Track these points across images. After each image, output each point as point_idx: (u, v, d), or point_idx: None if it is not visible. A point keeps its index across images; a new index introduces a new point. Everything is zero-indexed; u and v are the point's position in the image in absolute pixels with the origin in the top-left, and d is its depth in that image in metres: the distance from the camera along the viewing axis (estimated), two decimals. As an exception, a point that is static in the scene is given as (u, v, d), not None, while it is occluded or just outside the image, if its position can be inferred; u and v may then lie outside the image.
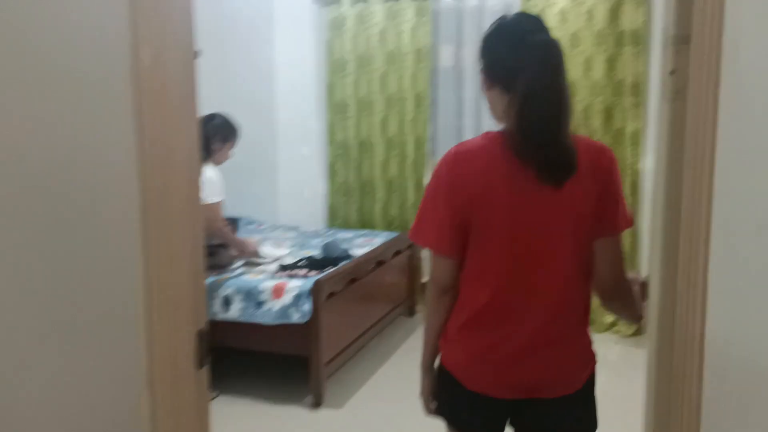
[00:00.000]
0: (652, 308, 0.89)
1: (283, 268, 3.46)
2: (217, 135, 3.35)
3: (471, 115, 4.62)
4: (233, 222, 4.23)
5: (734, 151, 0.82)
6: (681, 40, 0.95)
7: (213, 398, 3.27)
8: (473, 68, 4.59)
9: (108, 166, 1.03)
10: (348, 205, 4.93)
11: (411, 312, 4.69)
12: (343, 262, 3.65)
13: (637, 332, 4.14)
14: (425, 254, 4.86)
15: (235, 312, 3.32)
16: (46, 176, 0.90)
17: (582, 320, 1.52)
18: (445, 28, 4.63)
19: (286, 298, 3.24)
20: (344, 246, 3.98)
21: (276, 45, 4.76)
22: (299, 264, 3.54)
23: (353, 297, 3.62)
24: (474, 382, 1.50)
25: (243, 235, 4.38)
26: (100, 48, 1.00)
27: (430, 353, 1.60)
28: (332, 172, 4.93)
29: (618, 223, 1.47)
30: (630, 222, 1.51)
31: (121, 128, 1.05)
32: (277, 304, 3.26)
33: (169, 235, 1.17)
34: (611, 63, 4.20)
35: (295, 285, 3.26)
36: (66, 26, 0.93)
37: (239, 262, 3.60)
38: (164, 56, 1.12)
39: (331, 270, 3.48)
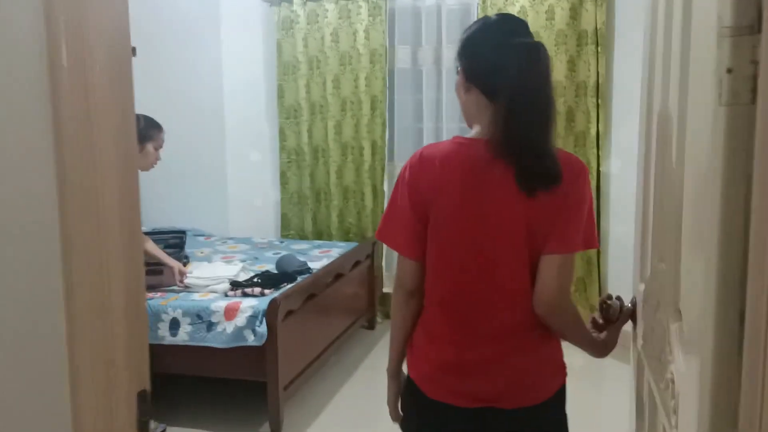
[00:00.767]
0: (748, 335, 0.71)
1: (236, 286, 3.20)
2: None
3: (430, 117, 4.45)
4: (179, 236, 3.94)
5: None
6: (742, 31, 0.77)
7: (161, 432, 2.99)
8: (432, 69, 4.42)
9: (21, 195, 0.79)
10: (302, 214, 4.69)
11: (371, 324, 4.48)
12: (301, 277, 3.42)
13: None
14: (388, 262, 4.67)
15: (183, 335, 3.04)
16: None
17: (546, 330, 1.44)
18: (401, 28, 4.45)
19: (240, 320, 2.99)
20: (300, 259, 3.74)
21: (223, 45, 4.48)
22: (253, 281, 3.28)
23: (312, 313, 3.39)
24: (437, 391, 1.46)
25: (191, 248, 4.10)
26: (6, 48, 0.77)
27: (395, 359, 1.58)
28: (284, 180, 4.68)
29: (566, 241, 1.38)
30: (590, 243, 1.42)
31: (37, 140, 0.81)
32: (230, 326, 3.00)
33: (97, 278, 0.93)
34: (572, 63, 4.09)
35: (249, 305, 3.01)
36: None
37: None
38: (90, 56, 0.89)
39: (287, 287, 3.24)
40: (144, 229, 2.89)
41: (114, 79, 0.96)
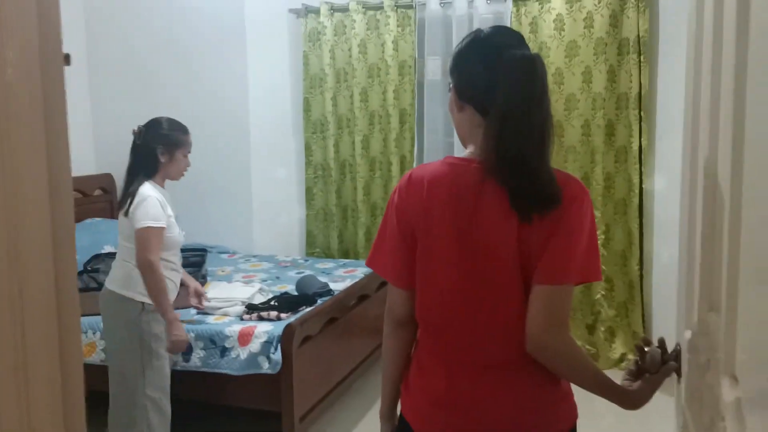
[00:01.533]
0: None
1: (251, 309, 3.04)
2: (159, 145, 2.67)
3: (461, 132, 4.24)
4: (200, 254, 3.82)
5: None
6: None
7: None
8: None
9: None
10: (328, 231, 4.53)
11: (399, 348, 4.27)
12: (322, 299, 3.25)
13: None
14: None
15: (196, 361, 2.90)
16: None
17: (544, 369, 1.30)
18: (431, 38, 4.26)
19: (254, 345, 2.83)
20: (322, 279, 3.57)
21: (248, 58, 4.37)
22: (270, 304, 3.12)
23: (332, 338, 3.21)
24: (428, 429, 1.37)
25: (213, 266, 3.98)
26: None
27: (387, 398, 1.50)
28: (310, 196, 4.53)
29: (556, 271, 1.25)
30: (589, 275, 1.30)
31: None
32: (244, 352, 2.84)
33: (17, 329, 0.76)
34: (613, 74, 3.85)
35: (264, 330, 2.85)
36: None
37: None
38: (12, 63, 0.73)
39: (305, 311, 3.07)
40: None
41: (46, 89, 0.80)
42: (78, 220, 4.20)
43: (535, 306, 1.25)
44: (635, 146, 3.85)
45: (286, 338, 2.79)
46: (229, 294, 3.22)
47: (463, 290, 1.31)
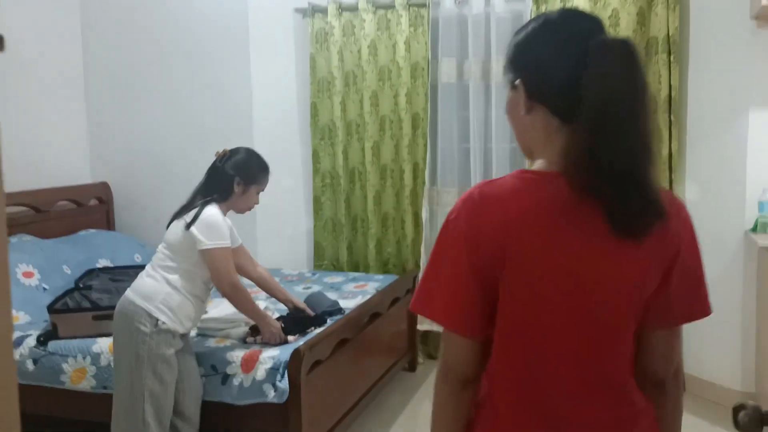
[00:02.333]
0: None
1: (255, 331, 2.80)
2: (237, 176, 2.58)
3: (478, 137, 4.01)
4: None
5: None
6: None
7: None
8: (479, 84, 3.98)
9: None
10: (337, 243, 4.29)
11: (412, 366, 4.04)
12: (332, 319, 3.01)
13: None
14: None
15: (195, 388, 2.66)
16: None
17: (653, 423, 1.12)
18: (445, 39, 4.03)
19: (259, 372, 2.59)
20: (332, 296, 3.33)
21: (252, 61, 4.14)
22: (276, 325, 2.88)
23: (343, 361, 2.97)
24: None
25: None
26: None
27: None
28: (318, 206, 4.29)
29: (694, 310, 1.11)
30: (707, 310, 1.12)
31: None
32: (247, 380, 2.60)
33: None
34: (640, 75, 3.61)
35: (270, 355, 2.62)
36: None
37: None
38: None
39: (315, 332, 2.84)
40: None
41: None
42: (72, 231, 3.98)
43: (664, 347, 1.11)
44: (665, 152, 3.60)
45: (293, 365, 2.55)
46: (232, 313, 2.98)
47: (573, 334, 1.05)
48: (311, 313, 2.95)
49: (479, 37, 3.94)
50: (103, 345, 2.81)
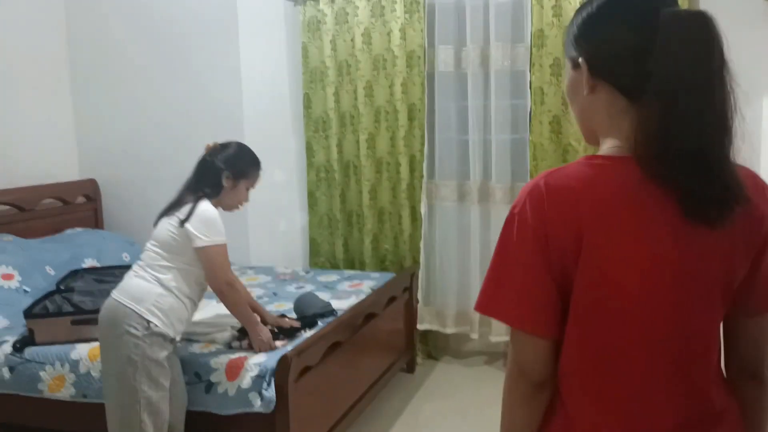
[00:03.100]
0: None
1: (242, 335, 2.66)
2: (226, 170, 2.47)
3: (477, 128, 3.85)
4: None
5: None
6: None
7: None
8: (478, 72, 3.82)
9: None
10: (332, 239, 4.15)
11: (411, 367, 3.90)
12: (323, 321, 2.87)
13: None
14: (426, 294, 4.08)
15: (179, 396, 2.52)
16: None
17: (738, 420, 1.07)
18: (442, 26, 3.87)
19: (245, 380, 2.45)
20: (325, 296, 3.19)
21: (242, 51, 3.97)
22: (264, 328, 2.74)
23: (336, 366, 2.83)
24: None
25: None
26: None
27: None
28: (312, 201, 4.15)
29: None
30: None
31: None
32: (232, 388, 2.46)
33: None
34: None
35: (256, 362, 2.47)
36: None
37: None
38: None
39: (304, 336, 2.70)
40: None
41: None
42: (57, 230, 3.85)
43: (754, 335, 1.08)
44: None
45: (280, 372, 2.41)
46: (217, 316, 2.84)
47: (658, 336, 1.00)
48: (296, 324, 2.78)
49: (477, 23, 3.77)
50: (83, 351, 2.67)
